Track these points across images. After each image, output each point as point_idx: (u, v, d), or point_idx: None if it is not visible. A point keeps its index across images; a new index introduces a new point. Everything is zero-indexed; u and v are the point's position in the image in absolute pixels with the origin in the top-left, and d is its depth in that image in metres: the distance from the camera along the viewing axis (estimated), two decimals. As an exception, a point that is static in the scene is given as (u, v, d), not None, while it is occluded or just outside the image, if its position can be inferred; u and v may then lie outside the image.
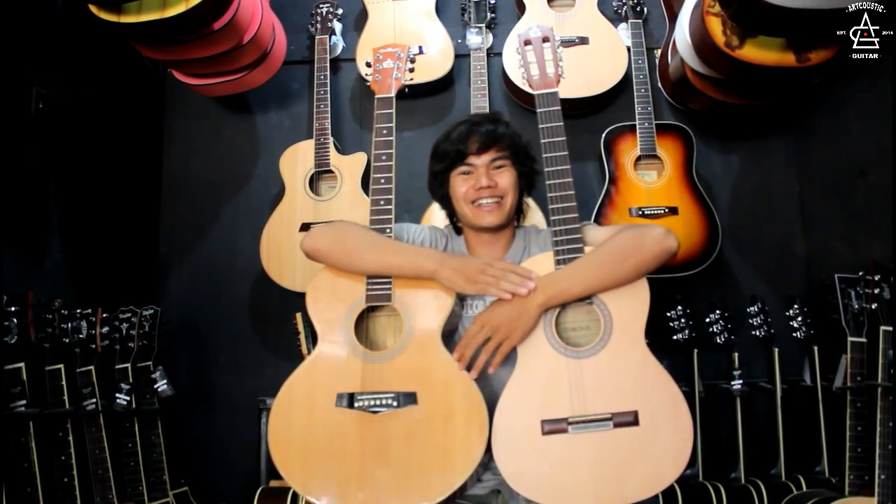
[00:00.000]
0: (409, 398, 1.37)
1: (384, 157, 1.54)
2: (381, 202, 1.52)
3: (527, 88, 1.55)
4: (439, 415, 1.36)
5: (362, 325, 1.49)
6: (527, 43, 1.54)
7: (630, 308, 1.40)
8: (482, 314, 1.40)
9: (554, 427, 1.35)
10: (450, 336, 1.51)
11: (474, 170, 1.54)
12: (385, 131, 1.56)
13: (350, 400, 1.39)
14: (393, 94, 1.59)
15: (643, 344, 1.39)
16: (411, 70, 1.64)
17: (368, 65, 1.69)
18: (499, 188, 1.53)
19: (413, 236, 1.60)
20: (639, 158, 2.41)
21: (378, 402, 1.38)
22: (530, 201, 2.33)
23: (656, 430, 1.33)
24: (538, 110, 1.49)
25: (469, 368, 1.38)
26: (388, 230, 1.50)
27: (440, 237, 1.63)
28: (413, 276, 1.44)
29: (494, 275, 1.38)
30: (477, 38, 2.57)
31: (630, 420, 1.34)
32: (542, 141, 1.47)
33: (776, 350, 2.22)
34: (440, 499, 1.30)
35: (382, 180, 1.53)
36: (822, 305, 2.05)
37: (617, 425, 1.33)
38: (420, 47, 2.51)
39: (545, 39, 1.53)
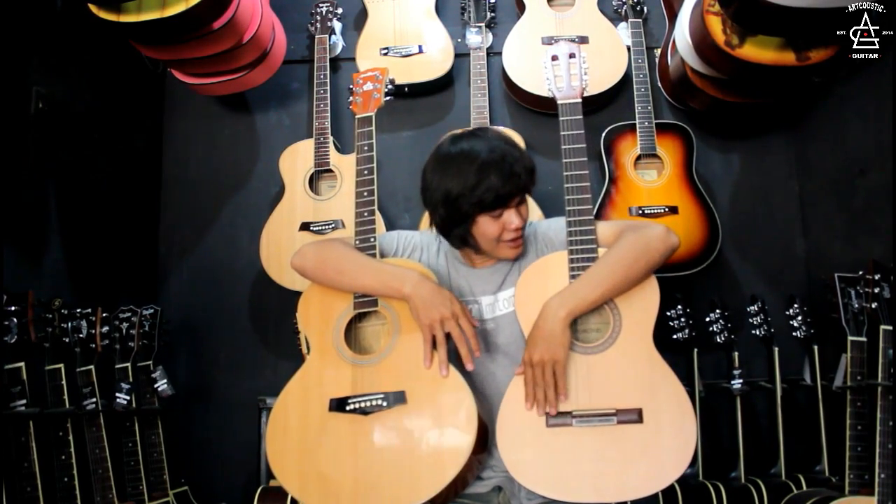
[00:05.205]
0: (399, 397, 1.40)
1: (366, 172, 1.62)
2: (365, 213, 1.60)
3: (549, 94, 1.62)
4: (427, 411, 1.38)
5: (353, 332, 1.53)
6: (554, 58, 1.63)
7: (639, 308, 1.43)
8: (524, 360, 1.41)
9: (558, 420, 1.37)
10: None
11: (504, 210, 1.49)
12: (366, 147, 1.64)
13: (341, 404, 1.42)
14: (373, 113, 1.67)
15: (651, 343, 1.42)
16: (388, 93, 1.72)
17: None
18: (523, 222, 1.51)
19: (403, 245, 1.63)
20: (639, 158, 2.41)
21: (368, 404, 1.40)
22: (529, 200, 2.34)
23: (660, 428, 1.35)
24: (560, 118, 1.56)
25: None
26: (371, 239, 1.56)
27: (432, 242, 1.64)
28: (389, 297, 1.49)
29: (450, 331, 1.39)
30: (477, 38, 2.56)
31: (634, 418, 1.36)
32: (563, 147, 1.54)
33: (776, 349, 2.22)
34: (432, 494, 1.31)
35: (365, 193, 1.61)
36: (822, 305, 2.05)
37: (621, 422, 1.36)
38: (420, 46, 2.56)
39: (571, 55, 1.62)
